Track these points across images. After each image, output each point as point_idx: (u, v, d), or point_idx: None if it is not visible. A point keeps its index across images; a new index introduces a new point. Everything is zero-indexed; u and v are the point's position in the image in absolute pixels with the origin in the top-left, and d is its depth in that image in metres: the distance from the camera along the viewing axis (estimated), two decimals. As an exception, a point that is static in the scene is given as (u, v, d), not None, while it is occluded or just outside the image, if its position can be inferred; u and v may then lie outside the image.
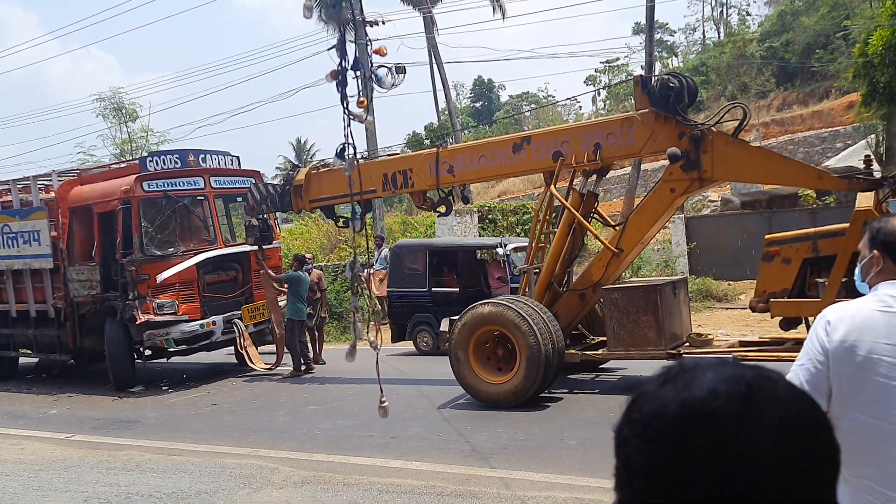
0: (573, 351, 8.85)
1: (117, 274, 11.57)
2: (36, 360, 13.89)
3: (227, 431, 8.53)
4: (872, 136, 21.49)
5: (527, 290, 9.11)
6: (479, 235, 18.93)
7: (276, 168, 51.85)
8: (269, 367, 11.92)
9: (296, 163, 49.43)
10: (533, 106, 53.26)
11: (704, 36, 52.02)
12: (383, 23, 18.21)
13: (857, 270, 2.71)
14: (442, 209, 10.38)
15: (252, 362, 11.89)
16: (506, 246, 12.63)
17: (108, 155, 30.14)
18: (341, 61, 3.14)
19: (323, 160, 13.36)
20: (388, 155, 11.75)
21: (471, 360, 8.51)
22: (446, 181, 9.83)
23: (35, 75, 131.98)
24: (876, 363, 2.30)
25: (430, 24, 30.75)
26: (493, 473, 6.20)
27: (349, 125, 3.26)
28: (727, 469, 0.80)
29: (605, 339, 8.73)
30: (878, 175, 7.81)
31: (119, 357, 11.72)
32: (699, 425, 0.82)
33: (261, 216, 11.42)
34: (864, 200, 7.32)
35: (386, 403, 4.94)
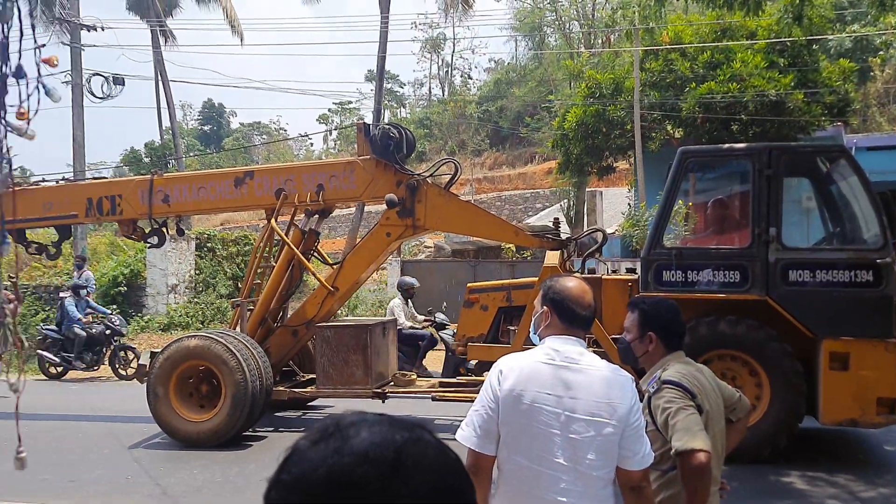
0: (282, 388, 8.73)
1: None
2: None
3: None
4: (566, 200, 24.31)
5: (239, 324, 8.88)
6: (196, 265, 18.06)
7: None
8: None
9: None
10: (265, 137, 52.56)
11: (430, 92, 55.40)
12: (102, 29, 16.86)
13: (532, 323, 3.01)
14: (154, 241, 9.71)
15: None
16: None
17: None
18: (1, 65, 2.81)
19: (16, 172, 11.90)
20: (95, 178, 10.80)
21: (171, 396, 8.02)
22: (160, 211, 9.23)
23: None
24: (538, 411, 2.49)
25: (157, 37, 29.12)
26: (184, 518, 5.87)
27: (5, 137, 2.93)
28: None
29: (315, 376, 8.75)
30: (565, 236, 8.77)
31: None
32: (344, 494, 0.80)
33: None
34: (552, 258, 8.17)
35: (24, 454, 4.43)
